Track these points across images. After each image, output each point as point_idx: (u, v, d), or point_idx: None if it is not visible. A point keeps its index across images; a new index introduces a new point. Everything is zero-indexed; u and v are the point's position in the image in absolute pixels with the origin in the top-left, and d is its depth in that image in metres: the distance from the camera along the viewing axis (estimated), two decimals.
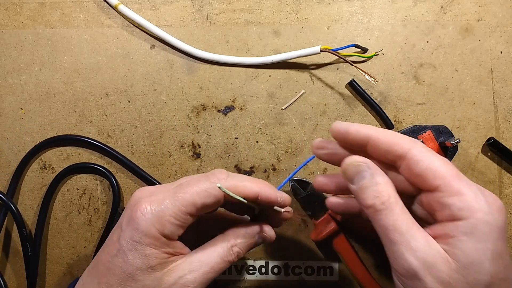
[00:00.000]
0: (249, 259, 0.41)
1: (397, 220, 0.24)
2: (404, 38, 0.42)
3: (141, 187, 0.34)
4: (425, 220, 0.26)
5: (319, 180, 0.30)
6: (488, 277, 0.22)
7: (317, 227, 0.38)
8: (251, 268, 0.41)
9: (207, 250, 0.28)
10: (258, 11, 0.42)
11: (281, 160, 0.41)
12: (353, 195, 0.27)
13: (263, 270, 0.41)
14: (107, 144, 0.41)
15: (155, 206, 0.26)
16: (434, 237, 0.23)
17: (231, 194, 0.27)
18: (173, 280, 0.27)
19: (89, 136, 0.41)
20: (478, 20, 0.42)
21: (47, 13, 0.43)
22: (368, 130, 0.26)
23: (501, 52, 0.42)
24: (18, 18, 0.43)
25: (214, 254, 0.28)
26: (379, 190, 0.24)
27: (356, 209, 0.30)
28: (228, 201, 0.28)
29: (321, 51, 0.39)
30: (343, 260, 0.39)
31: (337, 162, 0.28)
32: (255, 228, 0.30)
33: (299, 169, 0.33)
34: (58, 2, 0.43)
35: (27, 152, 0.41)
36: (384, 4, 0.42)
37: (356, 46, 0.40)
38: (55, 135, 0.41)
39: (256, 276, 0.41)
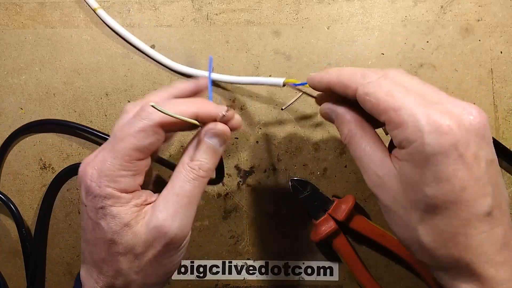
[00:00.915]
0: (249, 259, 0.41)
1: (355, 150, 0.27)
2: (404, 38, 0.42)
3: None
4: None
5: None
6: (428, 199, 0.23)
7: (317, 227, 0.38)
8: (251, 268, 0.41)
9: (169, 183, 0.27)
10: (258, 11, 0.42)
11: (281, 160, 0.41)
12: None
13: (263, 270, 0.41)
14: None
15: (99, 166, 0.25)
16: (395, 156, 0.25)
17: (167, 112, 0.25)
18: (145, 227, 0.26)
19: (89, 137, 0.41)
20: (478, 20, 0.42)
21: (47, 13, 0.43)
22: (328, 76, 0.28)
23: (501, 52, 0.42)
24: (18, 18, 0.43)
25: (175, 181, 0.27)
26: (340, 127, 0.29)
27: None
28: (169, 129, 0.27)
29: (284, 84, 0.35)
30: (343, 260, 0.39)
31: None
32: (201, 134, 0.28)
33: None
34: (58, 2, 0.43)
35: (27, 152, 0.41)
36: (384, 4, 0.42)
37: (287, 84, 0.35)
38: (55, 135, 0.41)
39: (256, 276, 0.41)
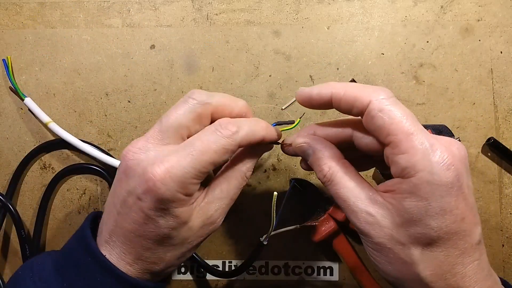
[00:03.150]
0: None
1: (338, 189, 0.26)
2: (404, 38, 0.42)
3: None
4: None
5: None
6: (432, 232, 0.23)
7: (317, 227, 0.38)
8: (251, 268, 0.41)
9: (223, 182, 0.29)
10: (258, 11, 0.42)
11: (281, 160, 0.41)
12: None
13: (263, 270, 0.41)
14: (105, 150, 0.41)
15: (174, 171, 0.25)
16: (386, 191, 0.25)
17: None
18: (202, 222, 0.28)
19: (89, 136, 0.41)
20: (478, 20, 0.42)
21: (47, 13, 0.43)
22: (330, 89, 0.27)
23: (501, 52, 0.42)
24: (18, 18, 0.43)
25: (231, 186, 0.29)
26: (320, 164, 0.27)
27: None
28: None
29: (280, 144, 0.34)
30: (343, 260, 0.39)
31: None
32: (257, 147, 0.30)
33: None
34: (58, 2, 0.43)
35: (27, 153, 0.41)
36: (384, 4, 0.42)
37: (278, 123, 0.34)
38: (55, 135, 0.41)
39: (256, 276, 0.41)
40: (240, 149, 0.30)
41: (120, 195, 0.27)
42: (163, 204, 0.25)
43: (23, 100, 0.41)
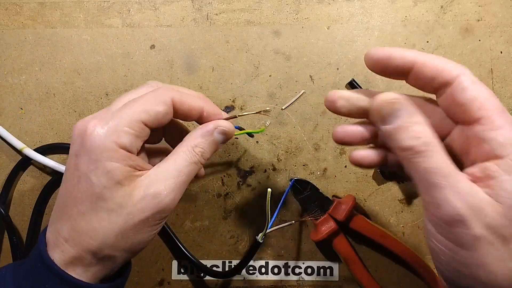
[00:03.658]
0: None
1: (441, 162, 0.21)
2: (404, 38, 0.42)
3: None
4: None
5: (340, 132, 0.27)
6: None
7: (317, 227, 0.38)
8: (251, 268, 0.41)
9: (170, 158, 0.28)
10: (258, 11, 0.42)
11: (281, 160, 0.41)
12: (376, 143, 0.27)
13: (263, 270, 0.41)
14: None
15: (105, 122, 0.26)
16: (473, 181, 0.22)
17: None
18: (143, 192, 0.26)
19: None
20: (478, 20, 0.42)
21: (47, 13, 0.43)
22: (414, 54, 0.24)
23: (501, 52, 0.42)
24: (18, 18, 0.43)
25: (179, 159, 0.28)
26: (418, 130, 0.22)
27: (380, 159, 0.28)
28: (177, 111, 0.29)
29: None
30: (343, 260, 0.39)
31: (357, 113, 0.27)
32: (209, 125, 0.30)
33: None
34: (58, 2, 0.43)
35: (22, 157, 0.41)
36: (384, 4, 0.42)
37: (239, 128, 0.35)
38: (55, 135, 0.41)
39: (256, 276, 0.41)
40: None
41: (65, 169, 0.27)
42: (94, 154, 0.25)
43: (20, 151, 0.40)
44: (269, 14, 0.42)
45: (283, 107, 0.41)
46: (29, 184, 0.41)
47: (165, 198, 0.27)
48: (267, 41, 0.42)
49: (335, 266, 0.40)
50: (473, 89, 0.23)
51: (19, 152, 0.41)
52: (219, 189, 0.41)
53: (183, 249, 0.40)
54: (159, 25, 0.42)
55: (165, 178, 0.27)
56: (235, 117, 0.32)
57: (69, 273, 0.26)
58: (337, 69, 0.42)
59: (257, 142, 0.41)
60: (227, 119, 0.31)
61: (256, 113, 0.34)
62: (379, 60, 0.25)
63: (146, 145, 0.30)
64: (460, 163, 0.24)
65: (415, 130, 0.22)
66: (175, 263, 0.41)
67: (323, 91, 0.41)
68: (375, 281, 0.39)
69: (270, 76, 0.42)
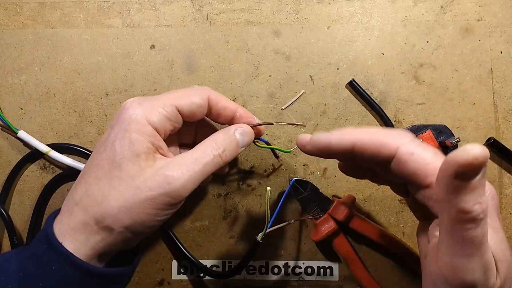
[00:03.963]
0: None
1: (485, 233, 0.21)
2: (404, 38, 0.42)
3: None
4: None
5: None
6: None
7: (317, 227, 0.38)
8: (251, 268, 0.41)
9: (190, 151, 0.29)
10: (258, 11, 0.42)
11: (281, 160, 0.41)
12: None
13: (263, 270, 0.41)
14: None
15: (143, 100, 0.29)
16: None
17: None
18: (156, 170, 0.27)
19: (89, 136, 0.41)
20: (478, 20, 0.42)
21: (47, 13, 0.43)
22: (352, 136, 0.25)
23: (501, 52, 0.42)
24: (18, 18, 0.43)
25: (198, 151, 0.29)
26: (483, 194, 0.20)
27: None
28: (211, 108, 0.32)
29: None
30: (343, 260, 0.39)
31: (328, 154, 0.28)
32: (232, 127, 0.32)
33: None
34: (58, 2, 0.43)
35: (27, 153, 0.41)
36: (384, 4, 0.42)
37: (266, 142, 0.37)
38: (55, 135, 0.41)
39: (256, 276, 0.41)
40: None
41: (99, 140, 0.30)
42: (125, 124, 0.27)
43: (16, 133, 0.40)
44: (269, 14, 0.42)
45: (283, 107, 0.41)
46: (29, 184, 0.41)
47: (176, 182, 0.27)
48: (267, 41, 0.42)
49: (335, 266, 0.40)
50: (413, 160, 0.23)
51: (45, 154, 0.40)
52: (219, 189, 0.41)
53: (183, 249, 0.40)
54: (159, 25, 0.42)
55: (181, 164, 0.28)
56: (272, 123, 0.34)
57: (72, 241, 0.27)
58: (337, 69, 0.42)
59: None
60: (262, 124, 0.33)
61: (291, 124, 0.37)
62: (320, 148, 0.27)
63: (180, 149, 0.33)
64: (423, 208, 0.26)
65: (481, 193, 0.20)
66: (175, 263, 0.41)
67: (323, 91, 0.41)
68: (375, 281, 0.39)
69: (270, 76, 0.42)
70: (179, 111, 0.29)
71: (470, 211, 0.20)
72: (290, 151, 0.38)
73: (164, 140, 0.30)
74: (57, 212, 0.30)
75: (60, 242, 0.26)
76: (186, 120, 0.31)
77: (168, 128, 0.29)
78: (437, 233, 0.24)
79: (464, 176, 0.19)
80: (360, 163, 0.28)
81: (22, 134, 0.40)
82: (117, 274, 0.29)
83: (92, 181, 0.27)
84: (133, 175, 0.27)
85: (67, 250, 0.26)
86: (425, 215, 0.28)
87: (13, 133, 0.40)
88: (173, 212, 0.29)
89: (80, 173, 0.29)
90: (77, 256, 0.26)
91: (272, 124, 0.34)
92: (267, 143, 0.36)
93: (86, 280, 0.27)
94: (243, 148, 0.32)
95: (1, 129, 0.41)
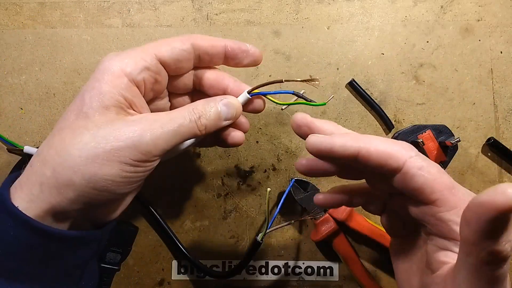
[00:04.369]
0: None
1: (509, 267, 0.20)
2: (404, 38, 0.42)
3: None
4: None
5: (304, 165, 0.28)
6: None
7: (317, 227, 0.38)
8: (251, 268, 0.41)
9: (175, 111, 0.27)
10: (258, 11, 0.42)
11: (281, 160, 0.41)
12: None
13: (263, 270, 0.41)
14: None
15: (122, 51, 0.27)
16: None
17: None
18: (125, 123, 0.25)
19: None
20: (478, 20, 0.42)
21: (47, 13, 0.43)
22: (357, 143, 0.24)
23: (501, 52, 0.42)
24: (18, 18, 0.43)
25: (174, 112, 0.27)
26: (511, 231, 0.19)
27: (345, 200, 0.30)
28: (198, 50, 0.29)
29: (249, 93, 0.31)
30: (343, 260, 0.39)
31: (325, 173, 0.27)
32: (217, 97, 0.29)
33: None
34: (58, 2, 0.43)
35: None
36: (384, 4, 0.42)
37: (296, 94, 0.32)
38: None
39: (256, 276, 0.41)
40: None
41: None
42: (98, 74, 0.26)
43: (22, 150, 0.39)
44: (269, 14, 0.42)
45: (283, 107, 0.41)
46: None
47: (146, 136, 0.25)
48: (267, 41, 0.42)
49: (335, 266, 0.40)
50: (421, 175, 0.23)
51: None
52: (219, 189, 0.41)
53: (183, 249, 0.40)
54: (159, 25, 0.42)
55: (154, 120, 0.26)
56: (282, 81, 0.30)
57: (26, 195, 0.24)
58: (337, 69, 0.42)
59: (257, 142, 0.41)
60: (271, 83, 0.30)
61: (303, 81, 0.31)
62: (321, 151, 0.25)
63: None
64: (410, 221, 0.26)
65: (511, 232, 0.19)
66: (175, 263, 0.41)
67: (323, 91, 0.41)
68: (375, 281, 0.39)
69: (270, 76, 0.42)
70: (160, 59, 0.27)
71: (502, 252, 0.19)
72: (325, 103, 0.32)
73: (146, 96, 0.28)
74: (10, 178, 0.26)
75: (10, 196, 0.24)
76: (172, 73, 0.28)
77: (148, 80, 0.27)
78: (446, 262, 0.23)
79: (503, 220, 0.18)
80: (358, 170, 0.27)
81: (28, 149, 0.39)
82: (78, 237, 0.25)
83: (56, 132, 0.25)
84: (100, 125, 0.25)
85: (13, 205, 0.23)
86: (400, 232, 0.28)
87: (20, 151, 0.39)
88: (142, 176, 0.26)
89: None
90: (25, 213, 0.23)
91: (282, 81, 0.30)
92: (297, 96, 0.31)
93: (40, 241, 0.24)
94: (227, 121, 0.29)
95: (9, 151, 0.40)
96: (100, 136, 0.24)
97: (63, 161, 0.24)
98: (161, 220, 0.40)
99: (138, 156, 0.25)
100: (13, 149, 0.40)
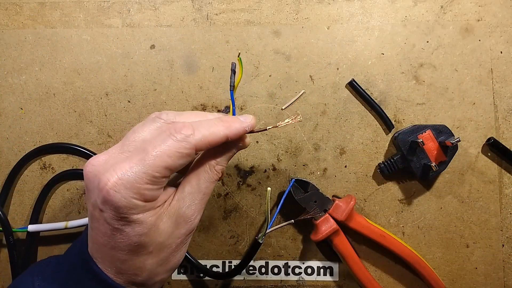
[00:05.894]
0: None
1: None
2: (404, 38, 0.42)
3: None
4: None
5: None
6: None
7: (317, 227, 0.38)
8: (251, 268, 0.41)
9: (192, 180, 0.29)
10: (258, 11, 0.42)
11: (281, 160, 0.41)
12: None
13: (263, 270, 0.41)
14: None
15: (125, 177, 0.24)
16: None
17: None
18: (180, 221, 0.28)
19: (89, 136, 0.41)
20: (478, 20, 0.42)
21: (47, 13, 0.43)
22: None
23: (501, 52, 0.42)
24: (18, 18, 0.43)
25: (202, 181, 0.29)
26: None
27: None
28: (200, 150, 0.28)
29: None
30: (343, 260, 0.39)
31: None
32: (232, 146, 0.30)
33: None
34: (58, 2, 0.43)
35: (27, 152, 0.41)
36: (384, 4, 0.42)
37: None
38: (55, 135, 0.41)
39: (256, 276, 0.41)
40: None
41: (89, 211, 0.27)
42: (122, 213, 0.25)
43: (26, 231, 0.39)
44: (269, 14, 0.42)
45: (283, 107, 0.41)
46: (29, 184, 0.41)
47: (194, 221, 0.29)
48: (267, 41, 0.42)
49: (335, 266, 0.40)
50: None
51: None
52: (219, 189, 0.41)
53: None
54: (159, 25, 0.42)
55: (192, 202, 0.28)
56: (265, 129, 0.32)
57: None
58: (337, 69, 0.42)
59: (257, 142, 0.41)
60: (257, 131, 0.31)
61: (285, 124, 0.32)
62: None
63: None
64: None
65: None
66: None
67: (323, 91, 0.41)
68: (375, 281, 0.39)
69: (270, 76, 0.42)
70: (164, 176, 0.26)
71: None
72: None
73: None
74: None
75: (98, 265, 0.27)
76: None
77: (161, 190, 0.27)
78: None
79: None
80: None
81: (32, 227, 0.39)
82: None
83: (118, 263, 0.27)
84: (160, 241, 0.27)
85: (103, 272, 0.27)
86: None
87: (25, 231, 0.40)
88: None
89: (95, 249, 0.27)
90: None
91: (266, 130, 0.32)
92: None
93: None
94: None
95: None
96: (165, 247, 0.28)
97: (146, 277, 0.28)
98: None
99: (192, 234, 0.30)
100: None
